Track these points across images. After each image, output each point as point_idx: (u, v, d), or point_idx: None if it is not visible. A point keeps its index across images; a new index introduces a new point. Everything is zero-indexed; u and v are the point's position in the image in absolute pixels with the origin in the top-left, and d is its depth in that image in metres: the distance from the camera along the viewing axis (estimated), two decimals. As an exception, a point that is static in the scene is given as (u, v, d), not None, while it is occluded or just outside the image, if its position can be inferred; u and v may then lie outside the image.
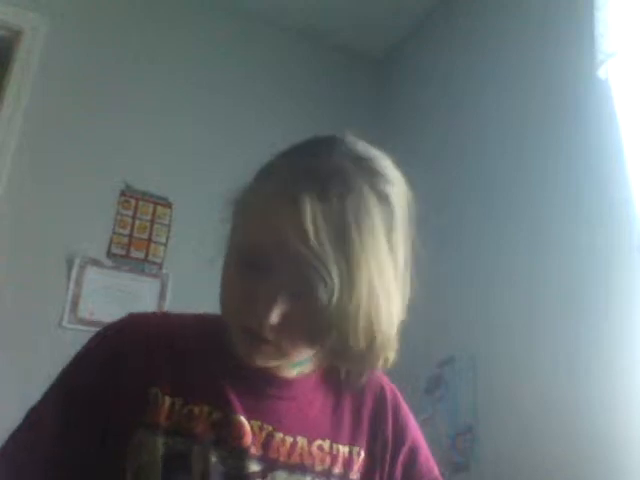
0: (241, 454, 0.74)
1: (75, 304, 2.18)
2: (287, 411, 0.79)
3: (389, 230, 0.69)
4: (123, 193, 2.38)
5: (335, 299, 0.65)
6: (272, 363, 0.76)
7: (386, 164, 0.73)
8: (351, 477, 0.80)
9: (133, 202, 2.38)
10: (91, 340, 0.80)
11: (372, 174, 0.70)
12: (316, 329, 0.70)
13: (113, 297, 2.25)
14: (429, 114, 2.61)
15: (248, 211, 0.73)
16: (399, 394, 0.90)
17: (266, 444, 0.76)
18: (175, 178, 2.47)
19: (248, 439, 0.75)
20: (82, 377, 0.77)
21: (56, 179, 2.29)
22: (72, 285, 2.20)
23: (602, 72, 1.69)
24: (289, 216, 0.66)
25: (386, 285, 0.69)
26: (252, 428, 0.76)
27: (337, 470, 0.79)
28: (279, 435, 0.77)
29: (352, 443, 0.81)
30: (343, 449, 0.80)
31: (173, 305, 2.28)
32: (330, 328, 0.68)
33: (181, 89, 2.60)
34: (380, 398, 0.86)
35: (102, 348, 0.78)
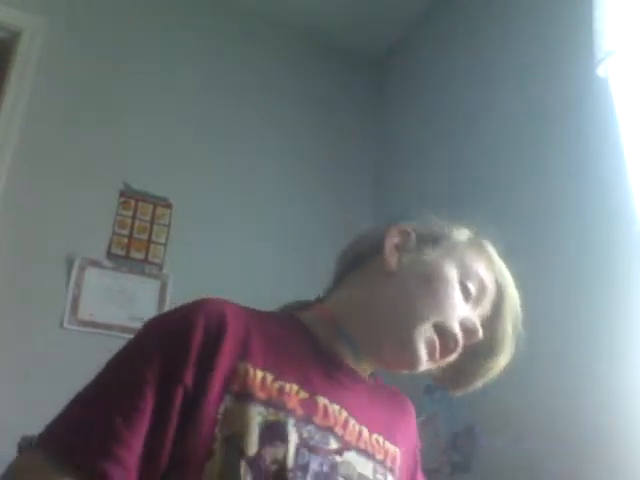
0: (327, 432, 0.81)
1: (75, 305, 2.18)
2: (356, 402, 0.87)
3: None
4: (123, 193, 2.38)
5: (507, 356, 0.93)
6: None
7: None
8: (395, 473, 0.90)
9: (133, 202, 2.38)
10: (183, 309, 0.85)
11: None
12: None
13: (113, 298, 2.25)
14: (429, 114, 2.61)
15: (477, 256, 0.98)
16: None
17: (344, 426, 0.84)
18: (175, 178, 2.47)
19: (332, 419, 0.82)
20: (181, 334, 0.80)
21: (56, 179, 2.29)
22: (72, 286, 2.19)
23: (601, 70, 1.68)
24: (510, 280, 0.99)
25: None
26: (333, 411, 0.83)
27: (389, 464, 0.89)
28: (352, 421, 0.85)
29: (397, 445, 0.92)
30: (391, 447, 0.91)
31: (173, 305, 2.28)
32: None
33: (180, 89, 2.61)
34: (409, 412, 1.00)
35: (201, 313, 0.81)
